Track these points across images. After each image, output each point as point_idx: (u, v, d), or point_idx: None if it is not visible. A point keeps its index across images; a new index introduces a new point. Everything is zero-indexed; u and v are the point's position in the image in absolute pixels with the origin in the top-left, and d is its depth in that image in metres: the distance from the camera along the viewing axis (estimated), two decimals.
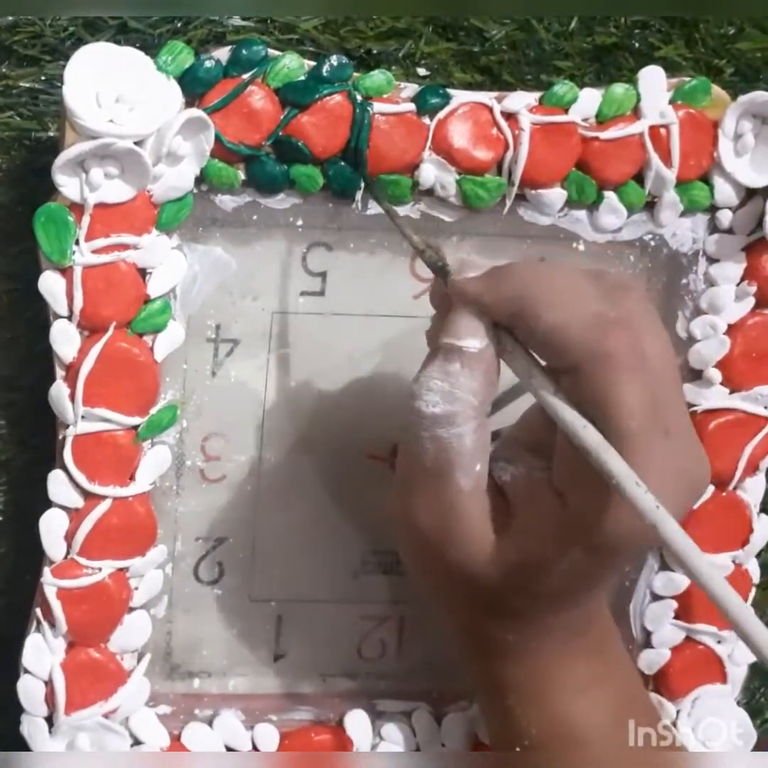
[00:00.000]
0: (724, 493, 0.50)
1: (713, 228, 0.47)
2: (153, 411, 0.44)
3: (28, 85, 0.44)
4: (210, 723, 0.50)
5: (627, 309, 0.39)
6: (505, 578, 0.40)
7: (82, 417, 0.43)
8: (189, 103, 0.41)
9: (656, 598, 0.51)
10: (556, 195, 0.45)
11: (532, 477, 0.40)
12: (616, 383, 0.37)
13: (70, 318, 0.42)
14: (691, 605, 0.51)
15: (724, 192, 0.47)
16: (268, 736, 0.50)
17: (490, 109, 0.44)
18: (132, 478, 0.45)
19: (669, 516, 0.36)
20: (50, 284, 0.42)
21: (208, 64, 0.41)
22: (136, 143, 0.40)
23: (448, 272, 0.41)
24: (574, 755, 0.43)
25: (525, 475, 0.41)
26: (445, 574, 0.41)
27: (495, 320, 0.39)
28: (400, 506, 0.42)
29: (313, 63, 0.43)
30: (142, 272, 0.43)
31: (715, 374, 0.48)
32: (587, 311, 0.38)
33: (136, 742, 0.48)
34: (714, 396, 0.49)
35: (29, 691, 0.46)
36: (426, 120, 0.44)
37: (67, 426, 0.43)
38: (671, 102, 0.45)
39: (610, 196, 0.46)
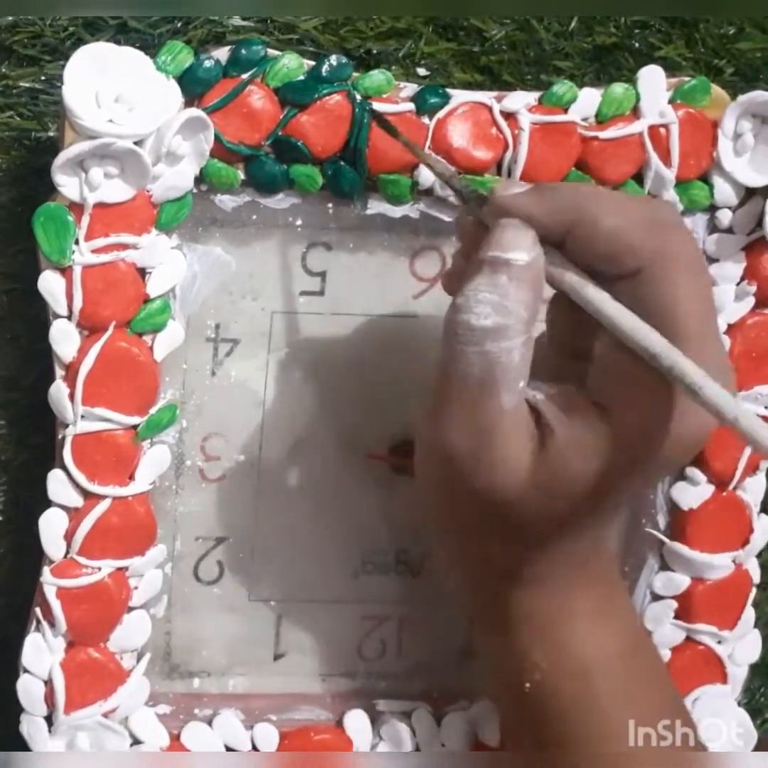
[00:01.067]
0: (724, 493, 0.50)
1: (713, 227, 0.47)
2: (152, 410, 0.44)
3: (28, 85, 0.44)
4: (210, 723, 0.50)
5: (677, 219, 0.39)
6: (537, 501, 0.39)
7: (82, 416, 0.43)
8: (188, 103, 0.41)
9: (656, 598, 0.51)
10: None
11: (569, 393, 0.39)
12: (684, 284, 0.37)
13: (69, 318, 0.42)
14: (692, 605, 0.51)
15: (724, 191, 0.46)
16: (268, 735, 0.50)
17: (490, 109, 0.44)
18: (131, 477, 0.45)
19: (749, 410, 0.35)
20: (50, 284, 0.42)
21: (207, 63, 0.41)
22: (135, 143, 0.40)
23: (484, 197, 0.40)
24: (583, 692, 0.42)
25: (561, 393, 0.39)
26: (472, 500, 0.40)
27: (542, 233, 0.38)
28: (432, 429, 0.40)
29: (312, 63, 0.43)
30: (142, 272, 0.43)
31: None
32: (646, 216, 0.38)
33: (136, 741, 0.48)
34: None
35: (29, 690, 0.46)
36: (425, 120, 0.44)
37: (67, 425, 0.43)
38: (671, 102, 0.45)
39: None
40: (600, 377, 0.39)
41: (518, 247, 0.38)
